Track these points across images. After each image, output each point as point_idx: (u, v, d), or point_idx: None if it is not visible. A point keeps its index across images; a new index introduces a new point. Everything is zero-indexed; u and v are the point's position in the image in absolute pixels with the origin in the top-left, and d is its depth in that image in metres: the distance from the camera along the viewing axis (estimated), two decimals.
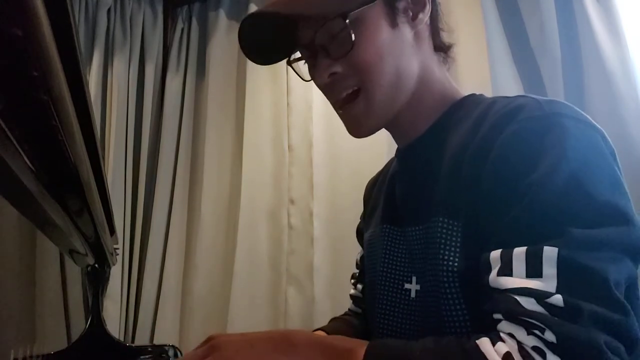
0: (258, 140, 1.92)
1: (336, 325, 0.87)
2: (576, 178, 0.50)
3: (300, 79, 0.73)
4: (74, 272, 0.89)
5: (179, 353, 1.07)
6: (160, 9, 2.15)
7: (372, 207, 0.84)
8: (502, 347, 0.45)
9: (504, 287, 0.49)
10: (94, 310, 0.94)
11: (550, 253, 0.47)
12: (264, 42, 0.69)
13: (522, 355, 0.44)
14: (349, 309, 0.92)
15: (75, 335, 0.88)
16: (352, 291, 0.91)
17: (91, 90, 1.92)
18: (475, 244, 0.55)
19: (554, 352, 0.43)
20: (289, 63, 0.72)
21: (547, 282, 0.46)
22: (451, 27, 0.74)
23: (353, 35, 0.61)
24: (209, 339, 0.55)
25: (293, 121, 1.87)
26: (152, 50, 2.10)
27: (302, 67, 0.72)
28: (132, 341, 1.88)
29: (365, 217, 0.87)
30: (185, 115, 2.09)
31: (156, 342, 1.82)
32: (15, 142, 0.38)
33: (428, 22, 0.69)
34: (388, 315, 0.69)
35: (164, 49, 2.15)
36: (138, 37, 2.08)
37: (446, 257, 0.59)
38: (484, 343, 0.47)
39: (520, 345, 0.45)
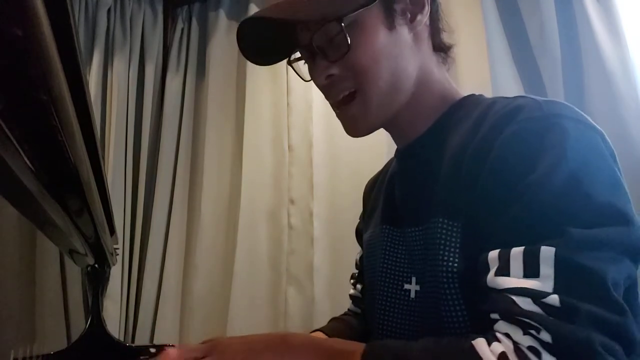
0: (258, 140, 1.92)
1: (335, 326, 0.87)
2: (575, 178, 0.50)
3: (301, 79, 0.74)
4: (74, 272, 0.89)
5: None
6: (160, 9, 2.15)
7: (371, 208, 0.84)
8: (497, 347, 0.45)
9: (501, 287, 0.49)
10: (94, 310, 0.94)
11: (547, 253, 0.47)
12: (263, 43, 0.69)
13: (517, 355, 0.44)
14: (348, 309, 0.92)
15: (75, 335, 0.88)
16: (352, 291, 0.92)
17: (91, 90, 1.92)
18: (475, 244, 0.55)
19: (550, 352, 0.43)
20: (289, 63, 0.73)
21: (544, 282, 0.46)
22: (451, 27, 0.74)
23: (349, 39, 0.61)
24: (207, 342, 0.56)
25: (293, 121, 1.87)
26: (152, 50, 2.10)
27: (302, 67, 0.72)
28: (132, 341, 1.88)
29: (365, 217, 0.87)
30: (185, 115, 2.09)
31: (156, 342, 1.82)
32: (15, 142, 0.38)
33: (427, 22, 0.69)
34: (388, 316, 0.69)
35: (164, 49, 2.15)
36: (138, 37, 2.08)
37: (445, 258, 0.59)
38: (480, 343, 0.47)
39: (516, 345, 0.45)
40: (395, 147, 0.77)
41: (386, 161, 0.88)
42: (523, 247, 0.48)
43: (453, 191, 0.60)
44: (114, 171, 1.91)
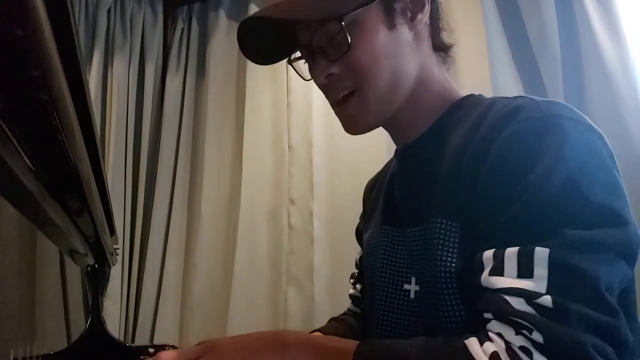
0: (258, 140, 1.92)
1: (334, 326, 0.87)
2: (573, 179, 0.50)
3: (301, 78, 0.74)
4: (74, 272, 0.89)
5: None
6: (160, 9, 2.15)
7: (371, 208, 0.84)
8: (489, 347, 0.46)
9: (494, 287, 0.49)
10: (94, 310, 0.94)
11: (541, 254, 0.47)
12: (264, 43, 0.69)
13: (509, 355, 0.44)
14: (347, 309, 0.92)
15: (75, 335, 0.88)
16: (351, 291, 0.92)
17: (91, 90, 1.92)
18: (473, 244, 0.55)
19: (542, 352, 0.43)
20: (290, 62, 0.73)
21: (538, 283, 0.46)
22: (451, 27, 0.73)
23: (349, 38, 0.61)
24: (201, 343, 0.56)
25: (293, 121, 1.87)
26: (152, 50, 2.10)
27: (303, 66, 0.72)
28: (132, 341, 1.88)
29: (365, 217, 0.87)
30: (185, 115, 2.09)
31: (156, 342, 1.82)
32: (15, 142, 0.38)
33: (427, 22, 0.69)
34: (387, 316, 0.69)
35: (164, 49, 2.15)
36: (138, 37, 2.08)
37: (444, 258, 0.59)
38: (472, 343, 0.47)
39: (508, 345, 0.45)
40: (395, 147, 0.77)
41: (386, 161, 0.88)
42: (517, 248, 0.48)
43: (453, 191, 0.60)
44: (114, 171, 1.91)
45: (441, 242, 0.59)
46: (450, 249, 0.58)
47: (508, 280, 0.48)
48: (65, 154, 0.46)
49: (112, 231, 0.97)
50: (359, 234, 0.92)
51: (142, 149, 2.02)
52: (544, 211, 0.49)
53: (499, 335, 0.46)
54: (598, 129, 0.56)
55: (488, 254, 0.51)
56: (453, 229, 0.59)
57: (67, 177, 0.52)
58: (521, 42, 1.56)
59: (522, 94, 1.00)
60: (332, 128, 1.77)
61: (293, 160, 1.84)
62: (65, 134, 0.42)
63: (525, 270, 0.47)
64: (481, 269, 0.52)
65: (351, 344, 0.53)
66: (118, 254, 1.32)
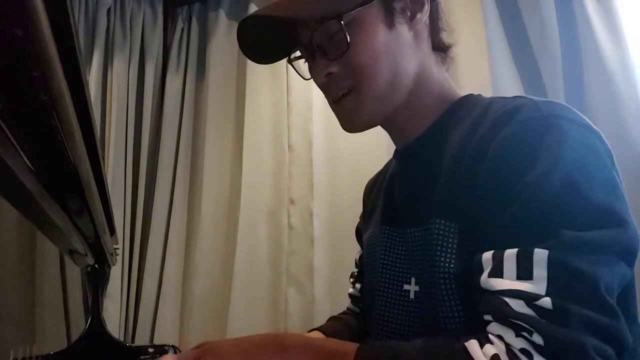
0: (258, 140, 1.92)
1: (333, 325, 0.87)
2: (572, 180, 0.50)
3: (301, 78, 0.74)
4: (74, 272, 0.89)
5: (179, 353, 1.07)
6: (160, 9, 2.15)
7: (371, 208, 0.84)
8: (490, 349, 0.46)
9: (494, 289, 0.49)
10: (94, 310, 0.94)
11: (540, 255, 0.47)
12: (264, 42, 0.69)
13: (509, 358, 0.44)
14: (347, 308, 0.93)
15: (75, 335, 0.88)
16: (351, 290, 0.92)
17: (91, 90, 1.92)
18: (472, 245, 0.55)
19: (542, 354, 0.43)
20: (289, 61, 0.73)
21: (537, 285, 0.46)
22: (451, 27, 0.73)
23: (349, 37, 0.61)
24: (200, 345, 0.56)
25: (293, 121, 1.87)
26: (152, 50, 2.10)
27: (302, 65, 0.72)
28: (132, 341, 1.88)
29: (365, 217, 0.87)
30: (185, 115, 2.09)
31: (156, 342, 1.82)
32: (15, 142, 0.38)
33: (427, 21, 0.69)
34: (387, 316, 0.69)
35: (164, 49, 2.15)
36: (138, 37, 2.08)
37: (443, 259, 0.59)
38: (472, 345, 0.47)
39: (508, 347, 0.45)
40: (395, 147, 0.77)
41: (386, 161, 0.88)
42: (517, 249, 0.48)
43: (452, 192, 0.60)
44: (114, 171, 1.91)
45: (440, 243, 0.59)
46: (449, 250, 0.58)
47: (507, 282, 0.48)
48: (65, 154, 0.46)
49: (112, 231, 0.97)
50: (358, 233, 0.92)
51: (142, 149, 2.02)
52: (543, 211, 0.49)
53: (499, 337, 0.46)
54: (597, 129, 0.56)
55: (487, 255, 0.51)
56: (452, 230, 0.58)
57: (67, 177, 0.52)
58: (521, 42, 1.55)
59: (522, 94, 1.00)
60: (332, 128, 1.77)
61: (293, 160, 1.84)
62: (65, 134, 0.42)
63: (524, 271, 0.47)
64: (480, 270, 0.52)
65: (351, 346, 0.53)
66: (118, 254, 1.32)
